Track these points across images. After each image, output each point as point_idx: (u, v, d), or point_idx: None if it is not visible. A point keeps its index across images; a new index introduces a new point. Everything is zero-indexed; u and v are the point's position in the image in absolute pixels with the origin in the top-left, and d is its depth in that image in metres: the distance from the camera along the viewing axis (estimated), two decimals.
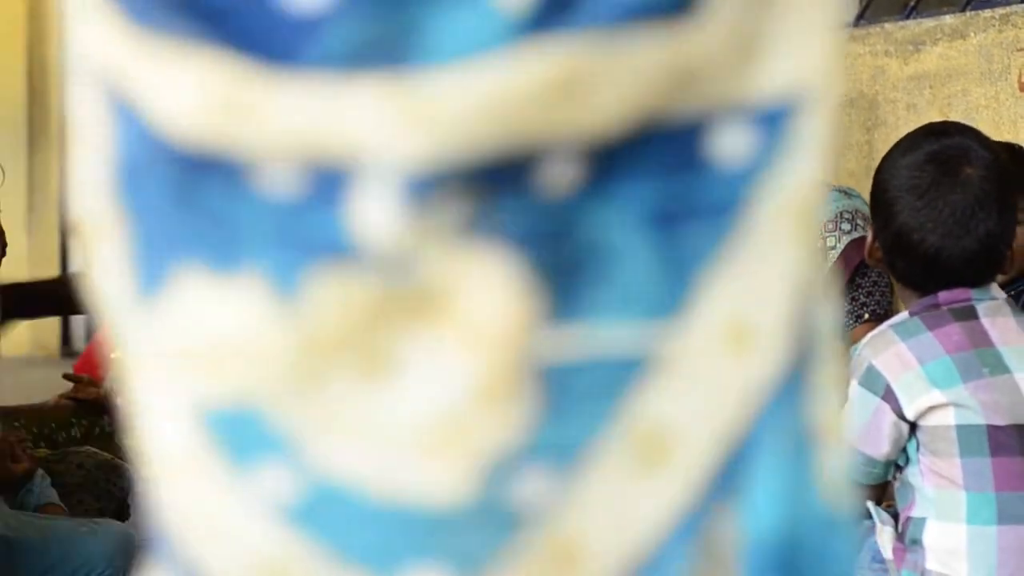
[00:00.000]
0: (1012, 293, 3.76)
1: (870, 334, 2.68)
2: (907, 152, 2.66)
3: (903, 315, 2.69)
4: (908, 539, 2.63)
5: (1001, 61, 4.35)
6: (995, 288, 2.68)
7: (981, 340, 2.62)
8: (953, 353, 2.60)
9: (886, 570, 2.67)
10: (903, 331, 2.63)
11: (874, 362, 2.63)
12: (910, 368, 2.60)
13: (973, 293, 2.65)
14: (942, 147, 2.63)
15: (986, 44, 4.40)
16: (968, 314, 2.64)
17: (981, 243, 2.61)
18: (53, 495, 3.26)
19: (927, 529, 2.61)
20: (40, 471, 3.29)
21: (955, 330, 2.62)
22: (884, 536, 2.66)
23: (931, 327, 2.62)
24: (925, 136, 2.69)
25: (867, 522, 2.72)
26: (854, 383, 2.65)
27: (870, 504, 2.68)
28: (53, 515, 3.18)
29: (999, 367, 2.61)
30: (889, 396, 2.61)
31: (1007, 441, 2.58)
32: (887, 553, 2.66)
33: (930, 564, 2.60)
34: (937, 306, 2.65)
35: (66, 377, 4.56)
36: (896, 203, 2.63)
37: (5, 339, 10.42)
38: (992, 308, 2.65)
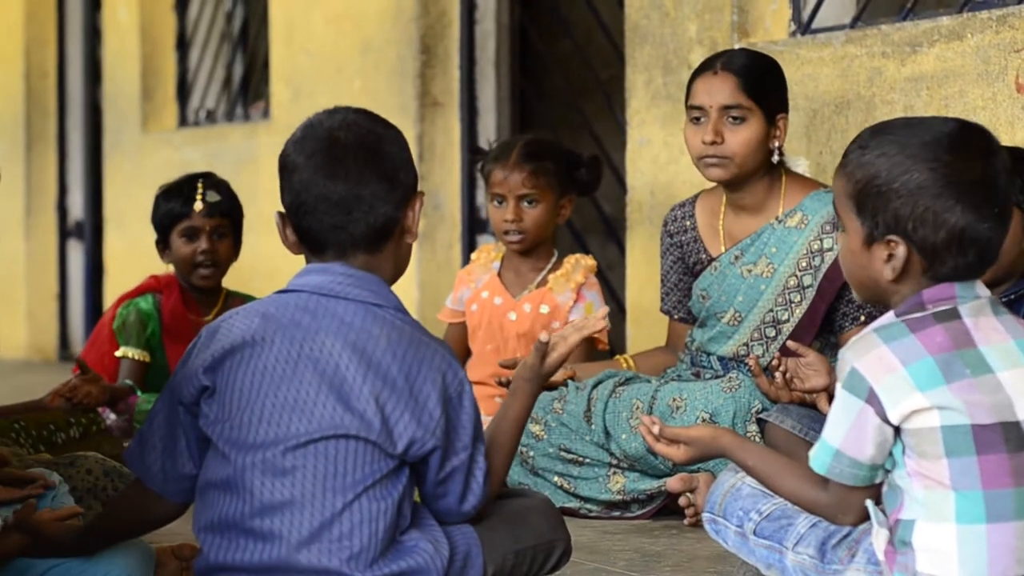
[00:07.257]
0: (1012, 297, 3.76)
1: (853, 337, 2.69)
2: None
3: (888, 317, 2.69)
4: (898, 541, 2.63)
5: (998, 62, 4.35)
6: (980, 285, 2.69)
7: (964, 341, 2.63)
8: (936, 354, 2.61)
9: (881, 573, 2.68)
10: (886, 334, 2.64)
11: (856, 365, 2.63)
12: (893, 370, 2.60)
13: (958, 290, 2.66)
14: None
15: (983, 45, 4.40)
16: (951, 315, 2.64)
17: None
18: (71, 503, 3.27)
19: (916, 531, 2.61)
20: (59, 478, 3.30)
21: (938, 331, 2.63)
22: (880, 538, 2.66)
23: (914, 330, 2.63)
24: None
25: (864, 523, 2.72)
26: (838, 386, 2.66)
27: (869, 504, 2.68)
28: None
29: (981, 367, 2.62)
30: (872, 399, 2.61)
31: (992, 439, 2.58)
32: (880, 555, 2.66)
33: (920, 566, 2.60)
34: (922, 305, 2.65)
35: (78, 364, 4.60)
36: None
37: (3, 342, 10.36)
38: (975, 308, 2.66)
